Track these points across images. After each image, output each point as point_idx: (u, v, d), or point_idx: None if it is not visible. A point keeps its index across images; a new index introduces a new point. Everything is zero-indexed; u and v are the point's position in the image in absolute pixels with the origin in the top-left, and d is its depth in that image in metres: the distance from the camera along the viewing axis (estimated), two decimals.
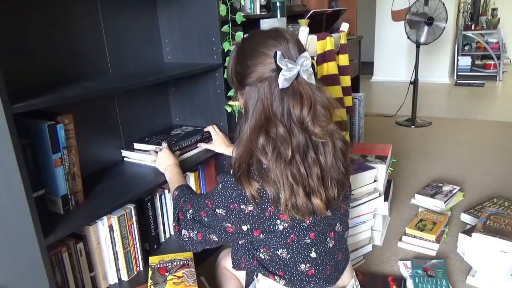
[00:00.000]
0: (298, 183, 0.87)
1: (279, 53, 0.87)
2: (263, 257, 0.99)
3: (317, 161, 0.90)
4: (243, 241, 1.04)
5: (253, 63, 0.91)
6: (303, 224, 0.93)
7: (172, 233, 1.65)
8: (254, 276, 1.05)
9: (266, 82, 0.90)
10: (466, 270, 1.52)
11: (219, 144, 1.59)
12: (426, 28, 3.28)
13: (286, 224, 0.92)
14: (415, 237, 1.72)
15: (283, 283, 0.98)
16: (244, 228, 0.93)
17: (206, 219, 0.97)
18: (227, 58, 1.62)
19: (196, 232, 1.00)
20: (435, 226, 1.78)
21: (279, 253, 0.96)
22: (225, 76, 1.64)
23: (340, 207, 1.03)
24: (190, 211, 1.02)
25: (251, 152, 0.89)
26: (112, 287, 1.35)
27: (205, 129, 1.65)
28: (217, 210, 0.94)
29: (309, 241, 0.95)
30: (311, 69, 0.90)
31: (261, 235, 0.94)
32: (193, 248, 1.04)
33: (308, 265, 0.97)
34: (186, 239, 1.03)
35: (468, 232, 1.58)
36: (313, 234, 0.96)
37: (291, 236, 0.93)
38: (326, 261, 0.99)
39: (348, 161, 1.00)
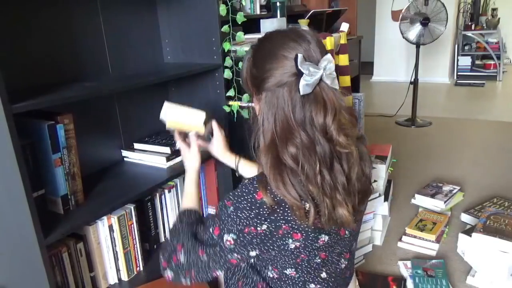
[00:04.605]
0: (326, 194, 0.81)
1: (300, 56, 0.80)
2: (271, 276, 0.94)
3: (342, 170, 0.84)
4: (244, 264, 1.00)
5: (272, 67, 0.83)
6: (316, 244, 0.87)
7: None
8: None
9: (286, 87, 0.82)
10: (466, 270, 1.52)
11: (217, 144, 1.28)
12: (419, 27, 3.28)
13: (298, 243, 0.85)
14: (415, 237, 1.72)
15: None
16: (253, 253, 0.87)
17: (205, 257, 0.89)
18: (227, 58, 1.62)
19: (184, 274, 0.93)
20: (435, 226, 1.78)
21: (287, 272, 0.91)
22: (226, 75, 1.64)
23: (359, 210, 0.96)
24: (182, 255, 0.93)
25: (279, 163, 0.82)
26: (112, 287, 1.35)
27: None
28: (225, 237, 0.85)
29: (319, 260, 0.90)
30: (334, 73, 0.83)
31: (273, 252, 0.87)
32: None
33: (318, 286, 0.93)
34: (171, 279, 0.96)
35: (468, 232, 1.58)
36: (324, 254, 0.90)
37: (301, 256, 0.87)
38: (338, 282, 0.96)
39: (371, 165, 0.94)
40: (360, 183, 0.88)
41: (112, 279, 1.35)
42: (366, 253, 1.65)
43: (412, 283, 1.44)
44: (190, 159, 1.20)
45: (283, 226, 0.82)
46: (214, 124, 1.28)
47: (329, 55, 0.83)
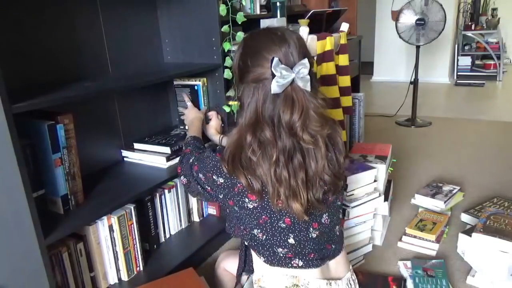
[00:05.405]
0: (281, 184, 0.90)
1: (276, 59, 0.89)
2: (245, 232, 1.02)
3: (304, 165, 0.93)
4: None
5: (253, 64, 0.94)
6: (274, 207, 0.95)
7: (172, 233, 1.65)
8: (250, 252, 1.08)
9: (261, 84, 0.92)
10: (466, 270, 1.52)
11: (211, 127, 1.56)
12: (415, 27, 3.29)
13: (255, 204, 0.96)
14: (415, 237, 1.72)
15: (263, 260, 1.00)
16: (220, 196, 1.02)
17: (195, 173, 1.09)
18: (227, 58, 1.62)
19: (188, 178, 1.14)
20: (435, 226, 1.78)
21: (255, 233, 0.99)
22: (226, 75, 1.64)
23: (327, 199, 1.01)
24: (191, 160, 1.14)
25: (241, 144, 0.94)
26: (112, 287, 1.35)
27: (209, 113, 1.61)
28: (199, 175, 1.06)
29: (284, 225, 0.97)
30: (307, 76, 0.91)
31: (236, 207, 0.99)
32: (189, 191, 1.16)
33: (286, 250, 0.98)
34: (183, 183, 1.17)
35: (468, 232, 1.58)
36: (289, 220, 0.96)
37: (263, 217, 0.96)
38: (309, 250, 0.99)
39: (343, 160, 1.01)
40: (328, 176, 0.96)
41: (112, 279, 1.35)
42: (366, 253, 1.65)
43: (412, 283, 1.44)
44: (197, 112, 1.56)
45: (238, 185, 0.96)
46: (214, 112, 1.61)
47: (305, 60, 0.91)
